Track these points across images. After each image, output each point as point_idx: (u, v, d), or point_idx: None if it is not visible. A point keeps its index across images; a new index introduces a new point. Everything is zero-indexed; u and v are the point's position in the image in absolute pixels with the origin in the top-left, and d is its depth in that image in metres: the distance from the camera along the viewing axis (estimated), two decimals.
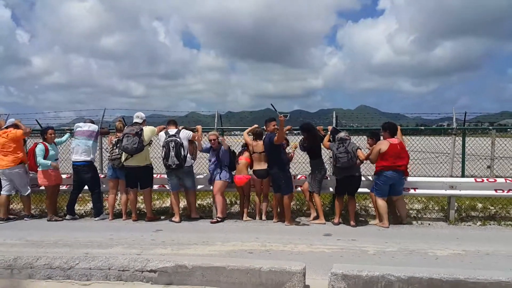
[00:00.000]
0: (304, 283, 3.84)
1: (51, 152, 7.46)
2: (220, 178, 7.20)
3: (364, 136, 8.46)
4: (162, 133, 7.15)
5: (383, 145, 6.66)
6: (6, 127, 7.50)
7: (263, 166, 7.06)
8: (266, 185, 7.24)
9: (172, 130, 7.11)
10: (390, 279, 3.66)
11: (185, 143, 6.94)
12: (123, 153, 7.08)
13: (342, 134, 6.88)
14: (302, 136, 7.29)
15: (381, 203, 6.72)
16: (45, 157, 7.33)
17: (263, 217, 7.27)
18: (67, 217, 7.58)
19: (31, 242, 5.88)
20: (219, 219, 7.12)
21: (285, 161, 6.88)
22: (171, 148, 6.84)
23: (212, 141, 7.23)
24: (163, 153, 6.92)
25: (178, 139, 6.88)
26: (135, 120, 7.30)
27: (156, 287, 4.00)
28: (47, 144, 7.45)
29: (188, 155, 7.05)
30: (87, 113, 8.89)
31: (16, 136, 7.44)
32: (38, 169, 7.42)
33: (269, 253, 5.20)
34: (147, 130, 7.14)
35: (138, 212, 7.62)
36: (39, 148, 7.36)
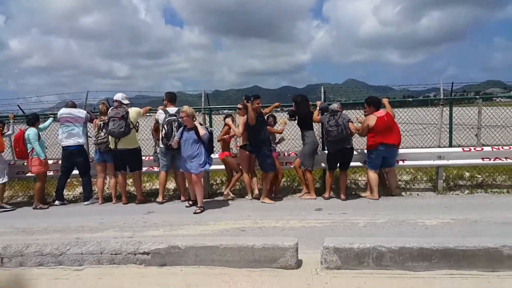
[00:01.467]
0: (297, 257, 3.87)
1: (42, 138, 7.32)
2: (203, 166, 6.40)
3: (353, 110, 8.45)
4: (161, 112, 6.97)
5: (371, 120, 6.67)
6: None
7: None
8: (253, 161, 7.17)
9: (172, 109, 6.93)
10: (381, 250, 3.71)
11: None
12: (110, 136, 6.97)
13: (334, 106, 6.81)
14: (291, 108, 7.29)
15: (372, 175, 6.77)
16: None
17: (255, 192, 7.13)
18: (56, 202, 7.51)
19: (21, 230, 5.82)
20: (202, 209, 6.44)
21: (264, 139, 6.80)
22: (174, 128, 6.68)
23: (185, 119, 6.34)
24: (163, 132, 6.76)
25: (179, 119, 6.67)
26: (117, 99, 7.12)
27: (150, 269, 4.00)
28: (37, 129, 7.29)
29: None
30: (70, 96, 8.72)
31: None
32: (30, 156, 7.23)
33: (261, 230, 5.23)
34: (133, 112, 7.01)
35: (128, 195, 7.57)
36: (34, 133, 7.17)
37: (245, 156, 7.02)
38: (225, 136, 7.23)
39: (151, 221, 5.96)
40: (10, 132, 7.99)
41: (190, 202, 6.79)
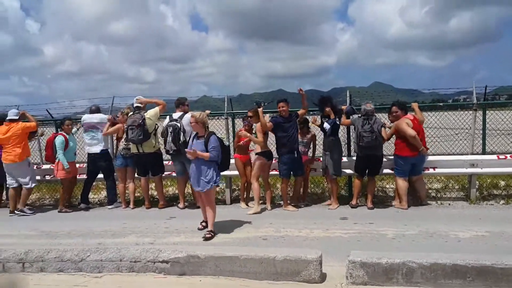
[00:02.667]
0: (321, 271, 3.70)
1: (71, 144, 7.31)
2: (209, 183, 5.21)
3: (380, 114, 8.18)
4: (167, 118, 6.98)
5: (407, 123, 6.31)
6: (10, 120, 7.21)
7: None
8: (268, 170, 6.92)
9: (176, 114, 6.90)
10: (411, 266, 3.50)
11: (187, 129, 6.53)
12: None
13: (367, 107, 6.43)
14: (322, 112, 6.83)
15: (402, 183, 6.47)
16: (65, 149, 7.16)
17: (268, 208, 6.79)
18: (81, 205, 7.56)
19: (45, 233, 5.86)
20: (212, 234, 5.27)
21: (294, 143, 6.60)
22: (169, 133, 6.69)
23: (193, 125, 5.32)
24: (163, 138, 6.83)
25: (178, 124, 6.66)
26: (135, 105, 7.12)
27: (169, 278, 3.92)
28: (66, 135, 7.28)
29: None
30: (99, 100, 8.77)
31: (29, 128, 7.28)
32: (57, 159, 7.26)
33: (284, 239, 5.06)
34: (150, 115, 6.97)
35: (151, 199, 7.55)
36: (59, 141, 7.14)
37: (261, 164, 6.65)
38: (241, 142, 7.01)
39: (173, 226, 5.89)
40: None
41: (204, 224, 5.63)
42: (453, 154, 7.63)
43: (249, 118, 6.87)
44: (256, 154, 6.71)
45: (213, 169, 5.21)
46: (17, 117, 7.26)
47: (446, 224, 5.48)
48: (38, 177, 7.71)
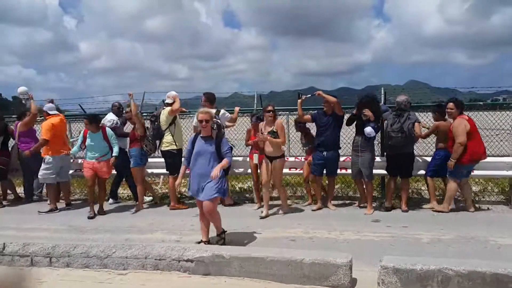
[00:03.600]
0: (351, 276, 3.53)
1: (88, 141, 6.73)
2: (219, 192, 4.60)
3: (415, 113, 7.84)
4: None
5: (465, 124, 5.85)
6: (48, 114, 7.21)
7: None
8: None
9: (212, 110, 6.61)
10: (448, 273, 3.27)
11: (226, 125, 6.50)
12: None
13: (399, 98, 6.15)
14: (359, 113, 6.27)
15: (453, 185, 6.04)
16: (83, 146, 6.86)
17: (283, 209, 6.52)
18: (110, 201, 7.62)
19: (74, 228, 5.93)
20: (223, 236, 4.89)
21: (336, 140, 6.45)
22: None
23: (203, 123, 4.59)
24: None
25: (218, 121, 6.36)
26: (166, 101, 7.01)
27: (193, 278, 3.84)
28: (89, 132, 6.85)
29: None
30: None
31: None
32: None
33: (313, 240, 4.90)
34: (163, 113, 6.89)
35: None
36: (81, 135, 6.95)
37: (283, 166, 6.35)
38: (250, 142, 6.74)
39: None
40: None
41: (205, 242, 4.80)
42: (493, 156, 7.21)
43: (266, 113, 6.17)
44: (275, 157, 6.12)
45: (223, 176, 4.65)
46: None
47: (485, 229, 5.17)
48: (70, 171, 7.83)
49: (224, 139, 4.77)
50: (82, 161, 7.45)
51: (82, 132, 6.88)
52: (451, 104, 6.06)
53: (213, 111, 5.15)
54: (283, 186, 6.70)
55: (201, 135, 4.68)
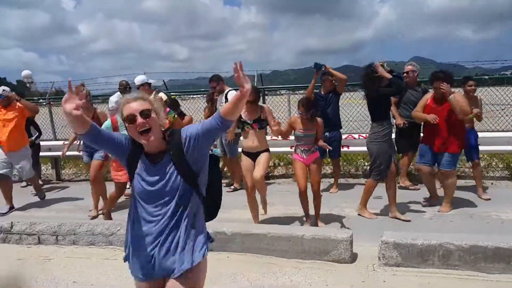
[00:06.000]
0: (351, 251, 3.57)
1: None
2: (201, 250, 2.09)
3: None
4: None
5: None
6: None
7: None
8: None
9: (231, 92, 6.15)
10: (449, 248, 3.29)
11: None
12: None
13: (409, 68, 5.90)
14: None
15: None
16: None
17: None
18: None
19: (79, 208, 6.01)
20: None
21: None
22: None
23: (138, 121, 1.91)
24: None
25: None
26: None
27: None
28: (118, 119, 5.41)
29: None
30: (132, 78, 8.69)
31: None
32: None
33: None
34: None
35: None
36: (106, 125, 4.87)
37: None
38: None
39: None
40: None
41: None
42: (497, 131, 7.14)
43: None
44: (258, 152, 4.55)
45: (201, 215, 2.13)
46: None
47: (488, 204, 5.17)
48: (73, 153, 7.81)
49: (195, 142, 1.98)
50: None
51: (109, 119, 4.96)
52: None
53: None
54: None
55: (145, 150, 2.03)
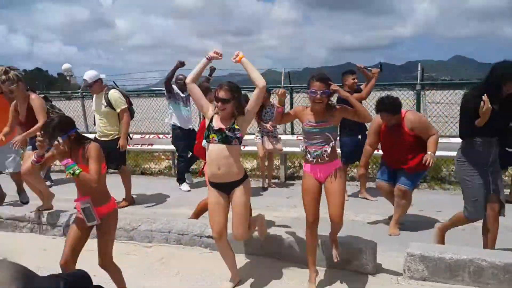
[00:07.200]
0: (375, 261, 3.39)
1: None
2: None
3: (459, 91, 7.39)
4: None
5: None
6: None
7: None
8: None
9: None
10: (480, 264, 3.07)
11: None
12: None
13: None
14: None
15: None
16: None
17: None
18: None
19: None
20: None
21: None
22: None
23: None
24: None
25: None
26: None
27: (214, 254, 3.82)
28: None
29: None
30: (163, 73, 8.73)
31: None
32: None
33: None
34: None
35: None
36: None
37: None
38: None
39: None
40: None
41: None
42: None
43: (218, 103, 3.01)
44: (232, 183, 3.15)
45: None
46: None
47: None
48: None
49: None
50: None
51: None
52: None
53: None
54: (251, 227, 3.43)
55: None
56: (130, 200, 5.88)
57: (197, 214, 4.36)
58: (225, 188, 3.08)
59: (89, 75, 5.29)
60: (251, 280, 3.36)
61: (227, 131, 2.96)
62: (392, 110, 4.17)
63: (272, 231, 3.80)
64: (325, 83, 2.94)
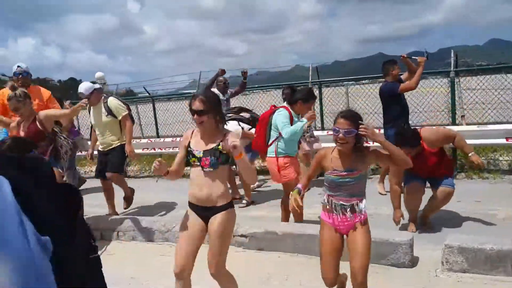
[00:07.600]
0: (412, 255, 3.32)
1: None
2: None
3: (496, 75, 7.08)
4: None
5: None
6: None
7: None
8: None
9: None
10: None
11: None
12: None
13: None
14: None
15: None
16: None
17: None
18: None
19: (142, 203, 6.22)
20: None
21: None
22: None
23: None
24: None
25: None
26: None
27: (248, 252, 3.87)
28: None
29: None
30: (195, 75, 8.75)
31: None
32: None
33: (373, 217, 4.62)
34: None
35: None
36: (284, 115, 4.29)
37: None
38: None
39: (257, 200, 5.85)
40: None
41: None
42: None
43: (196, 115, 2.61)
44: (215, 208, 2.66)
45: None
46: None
47: None
48: (138, 150, 8.17)
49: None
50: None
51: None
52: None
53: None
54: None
55: None
56: (130, 196, 5.66)
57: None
58: (204, 213, 2.61)
59: (84, 87, 5.11)
60: (285, 277, 3.36)
61: (220, 155, 2.54)
62: (414, 144, 3.97)
63: (307, 229, 3.78)
64: (351, 121, 2.43)
